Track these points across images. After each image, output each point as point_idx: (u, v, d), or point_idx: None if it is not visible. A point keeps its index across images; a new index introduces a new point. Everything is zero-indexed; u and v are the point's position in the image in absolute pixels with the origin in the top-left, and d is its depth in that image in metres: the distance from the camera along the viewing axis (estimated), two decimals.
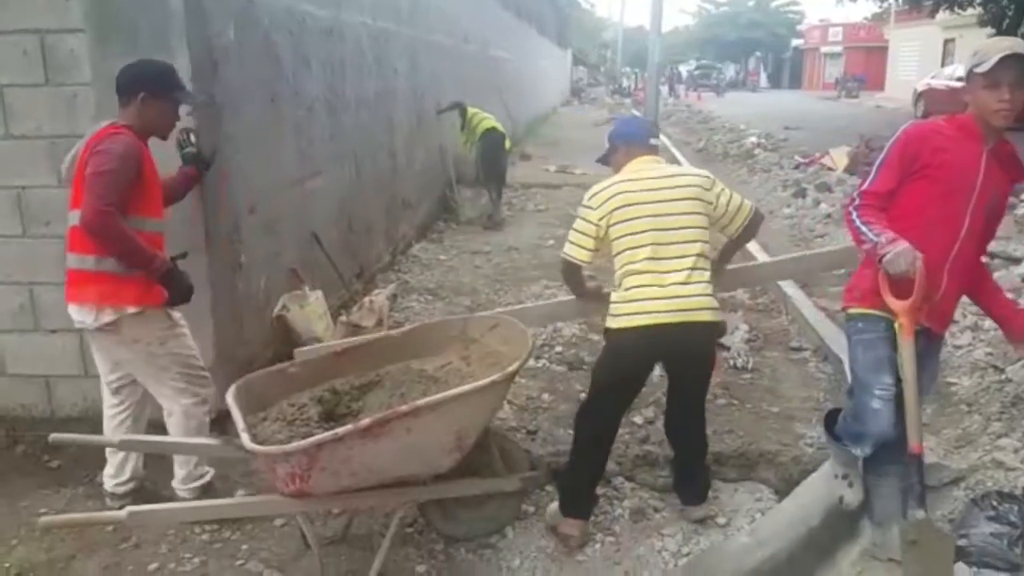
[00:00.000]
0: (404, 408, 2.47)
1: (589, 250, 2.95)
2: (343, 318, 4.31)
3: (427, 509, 2.98)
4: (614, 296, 2.91)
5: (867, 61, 45.37)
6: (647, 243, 2.82)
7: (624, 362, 2.87)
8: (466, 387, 2.56)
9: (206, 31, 3.56)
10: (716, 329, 2.92)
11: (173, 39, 3.35)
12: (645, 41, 23.86)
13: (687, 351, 2.86)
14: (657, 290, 2.78)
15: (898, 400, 2.60)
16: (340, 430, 2.42)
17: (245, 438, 2.48)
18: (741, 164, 13.43)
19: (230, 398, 2.69)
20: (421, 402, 2.50)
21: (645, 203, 2.85)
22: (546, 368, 4.60)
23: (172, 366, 3.04)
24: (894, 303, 2.55)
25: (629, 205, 2.85)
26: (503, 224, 8.78)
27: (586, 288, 3.29)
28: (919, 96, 24.21)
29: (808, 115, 23.92)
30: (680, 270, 2.80)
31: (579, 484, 3.03)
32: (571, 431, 3.16)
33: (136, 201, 2.86)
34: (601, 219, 2.88)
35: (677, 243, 2.83)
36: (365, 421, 2.43)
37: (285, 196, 4.56)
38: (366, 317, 4.25)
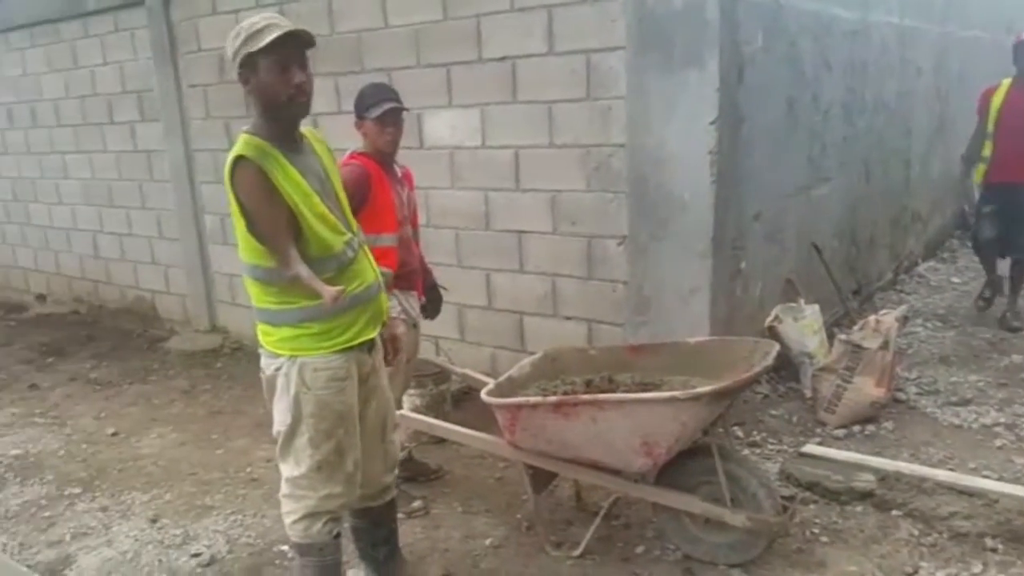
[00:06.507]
0: (587, 397, 2.74)
1: None
2: (842, 336, 4.02)
3: (660, 515, 2.94)
4: None
5: None
6: None
7: None
8: (646, 395, 2.71)
9: (736, 39, 3.62)
10: None
11: (705, 49, 3.46)
12: None
13: None
14: None
15: None
16: (533, 399, 2.76)
17: (485, 389, 2.90)
18: None
19: (527, 360, 3.18)
20: (603, 396, 2.72)
21: None
22: None
23: None
24: None
25: None
26: None
27: None
28: None
29: None
30: None
31: None
32: None
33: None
34: None
35: None
36: (554, 398, 2.74)
37: (790, 203, 4.44)
38: (870, 338, 3.89)
